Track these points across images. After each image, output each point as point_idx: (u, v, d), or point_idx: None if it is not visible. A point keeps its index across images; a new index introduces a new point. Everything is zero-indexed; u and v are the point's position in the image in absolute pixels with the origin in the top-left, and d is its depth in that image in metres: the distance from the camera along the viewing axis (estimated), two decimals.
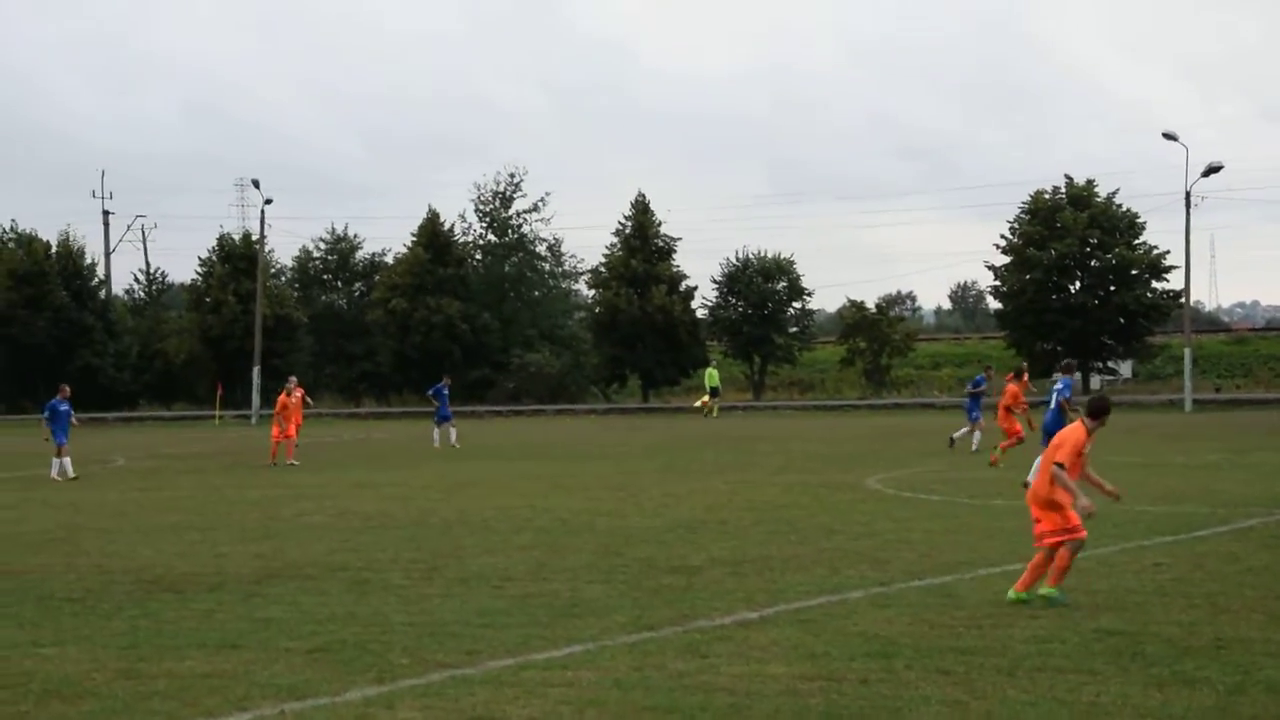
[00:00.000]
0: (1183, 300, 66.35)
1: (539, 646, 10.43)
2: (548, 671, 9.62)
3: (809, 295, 78.48)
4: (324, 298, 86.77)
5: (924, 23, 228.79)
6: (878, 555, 15.15)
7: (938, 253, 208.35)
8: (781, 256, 78.00)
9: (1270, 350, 75.18)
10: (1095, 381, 70.15)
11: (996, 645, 10.06)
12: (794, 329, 77.95)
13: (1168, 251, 68.82)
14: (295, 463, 33.53)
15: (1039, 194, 71.11)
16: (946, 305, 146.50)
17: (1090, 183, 70.74)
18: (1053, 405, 23.93)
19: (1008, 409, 29.88)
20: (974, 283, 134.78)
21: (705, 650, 10.16)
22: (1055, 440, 12.16)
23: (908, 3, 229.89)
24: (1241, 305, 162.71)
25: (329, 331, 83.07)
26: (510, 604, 12.43)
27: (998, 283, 71.96)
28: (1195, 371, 60.23)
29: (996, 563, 14.26)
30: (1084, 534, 11.84)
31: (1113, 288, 68.88)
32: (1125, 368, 73.19)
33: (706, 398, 61.63)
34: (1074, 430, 12.05)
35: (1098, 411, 12.17)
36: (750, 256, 78.06)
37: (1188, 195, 60.31)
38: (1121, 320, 68.72)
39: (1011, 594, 11.90)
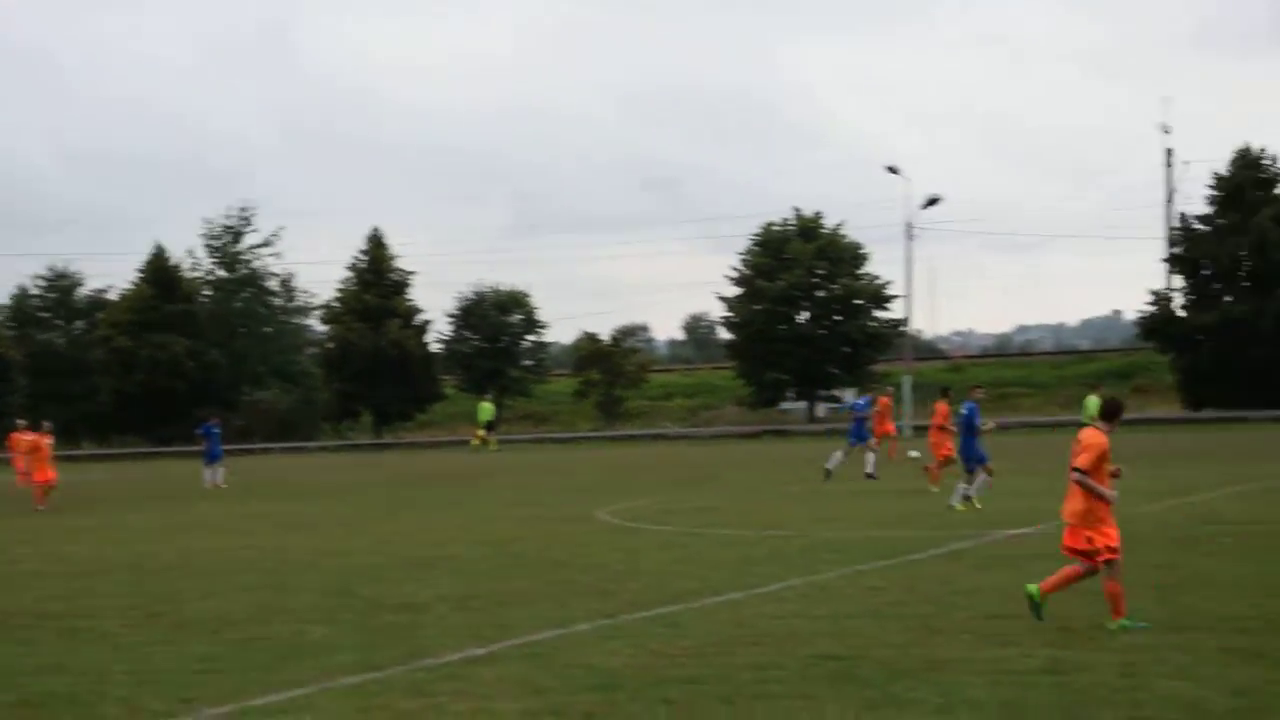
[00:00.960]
0: (904, 329, 68.71)
1: (258, 691, 10.13)
2: (267, 717, 9.36)
3: (544, 328, 78.91)
4: (41, 336, 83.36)
5: (663, 56, 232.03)
6: (605, 587, 15.20)
7: (672, 284, 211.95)
8: (517, 289, 78.22)
9: (983, 376, 78.22)
10: (821, 410, 72.00)
11: (718, 673, 10.17)
12: (529, 362, 78.11)
13: (890, 281, 71.37)
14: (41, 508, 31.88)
15: (769, 226, 72.86)
16: (680, 336, 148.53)
17: (818, 214, 72.89)
18: (963, 430, 24.18)
19: (940, 428, 29.01)
20: (706, 313, 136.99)
21: (431, 689, 10.01)
22: (1077, 445, 11.79)
23: (647, 36, 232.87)
24: (959, 333, 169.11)
25: (47, 371, 79.82)
26: (230, 648, 12.06)
27: (729, 313, 73.38)
28: (915, 399, 62.31)
29: (721, 591, 14.46)
30: (1118, 556, 11.59)
31: (838, 317, 70.97)
32: (849, 395, 75.28)
33: (481, 432, 59.94)
34: (1094, 435, 11.79)
35: (1113, 413, 12.08)
36: (486, 290, 78.05)
37: (908, 226, 62.52)
38: (846, 349, 70.74)
39: (1032, 588, 11.82)
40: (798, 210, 73.10)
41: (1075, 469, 11.58)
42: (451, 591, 15.31)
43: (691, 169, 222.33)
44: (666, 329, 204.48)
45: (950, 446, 27.39)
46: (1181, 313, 62.91)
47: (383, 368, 72.82)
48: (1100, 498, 11.56)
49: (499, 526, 23.43)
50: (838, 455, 33.29)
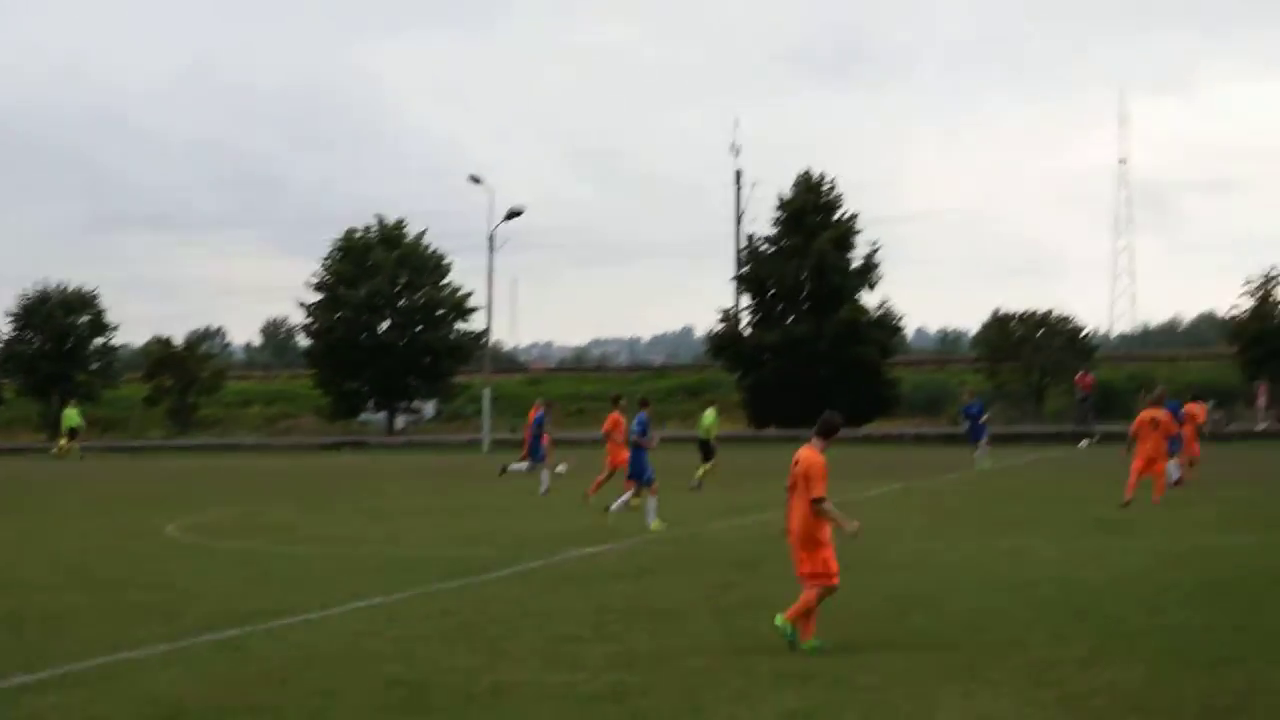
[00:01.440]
0: (485, 340, 69.31)
1: None
2: None
3: (114, 330, 75.67)
4: None
5: (246, 49, 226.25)
6: (171, 608, 14.79)
7: (251, 287, 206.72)
8: (85, 289, 74.78)
9: (560, 390, 79.75)
10: (400, 421, 71.82)
11: (286, 701, 10.09)
12: (96, 365, 74.78)
13: (471, 292, 71.66)
14: None
15: (351, 232, 72.10)
16: (258, 341, 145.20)
17: (401, 222, 72.54)
18: (631, 443, 23.86)
19: (608, 435, 28.08)
20: (286, 319, 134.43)
21: None
22: (802, 473, 11.65)
23: (227, 29, 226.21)
24: (537, 345, 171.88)
25: None
26: None
27: (309, 320, 72.24)
28: (494, 411, 62.94)
29: (295, 611, 14.29)
30: (837, 581, 11.70)
31: (420, 327, 70.91)
32: (429, 407, 75.46)
33: (64, 440, 56.18)
34: (813, 456, 11.71)
35: (830, 430, 11.98)
36: (50, 289, 74.26)
37: (491, 237, 63.03)
38: (427, 359, 70.75)
39: (779, 621, 11.68)
40: (380, 217, 72.68)
41: (817, 499, 11.59)
42: (2, 611, 14.60)
43: (272, 169, 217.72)
44: (244, 334, 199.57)
45: (624, 457, 26.56)
46: (748, 331, 65.87)
47: None
48: (835, 520, 11.70)
49: (59, 540, 22.44)
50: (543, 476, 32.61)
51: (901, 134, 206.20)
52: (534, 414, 34.77)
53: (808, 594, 11.68)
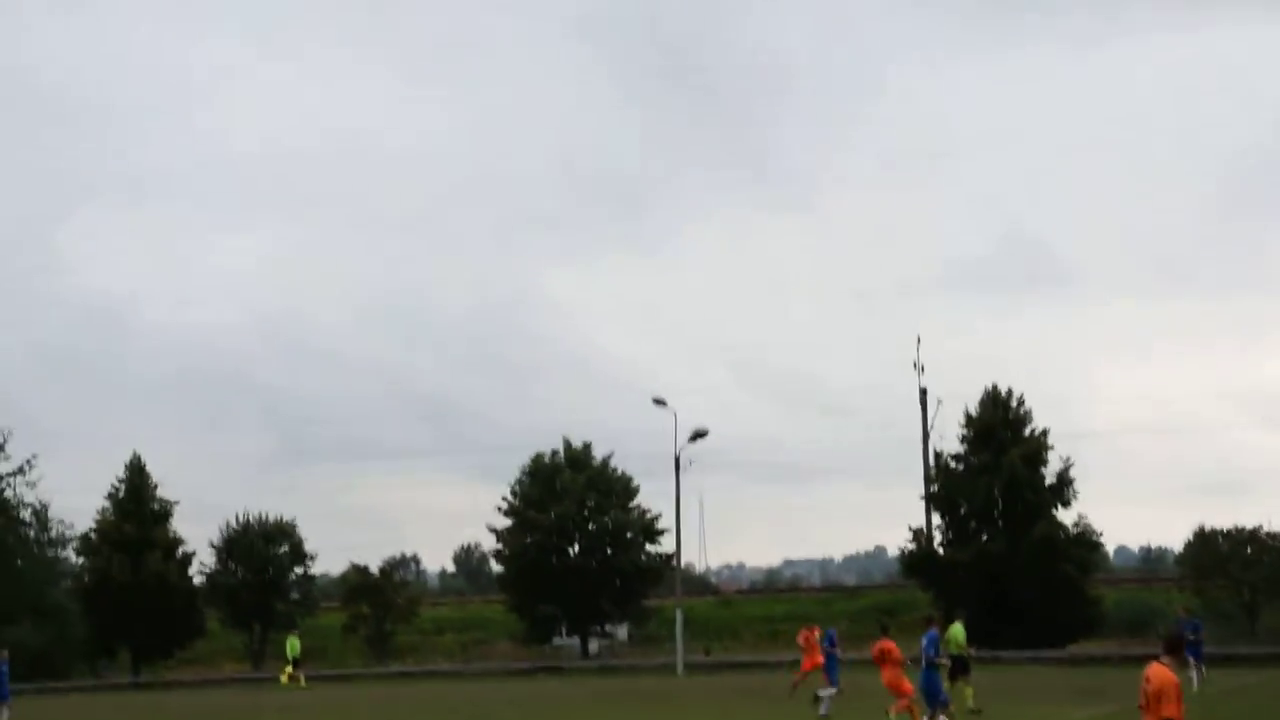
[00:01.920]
0: (674, 562, 69.26)
1: None
2: None
3: (312, 559, 77.34)
4: None
5: (426, 283, 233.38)
6: None
7: (442, 514, 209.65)
8: (283, 519, 76.81)
9: (752, 612, 79.25)
10: (594, 645, 71.75)
11: None
12: (296, 595, 76.37)
13: (660, 514, 71.88)
14: None
15: (538, 456, 73.18)
16: (451, 568, 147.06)
17: (587, 445, 73.44)
18: (924, 663, 23.61)
19: (895, 663, 26.93)
20: (478, 545, 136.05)
21: None
22: (1155, 691, 11.53)
23: (407, 259, 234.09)
24: (728, 567, 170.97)
25: None
26: None
27: (499, 545, 73.08)
28: (686, 634, 62.53)
29: None
30: None
31: (609, 550, 71.27)
32: (622, 630, 75.32)
33: (289, 668, 57.94)
34: (1166, 674, 11.64)
35: (1177, 645, 12.10)
36: (251, 519, 76.44)
37: (677, 459, 63.32)
38: (618, 582, 70.91)
39: None
40: (567, 440, 73.74)
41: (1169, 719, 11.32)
42: None
43: (457, 396, 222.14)
44: (437, 560, 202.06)
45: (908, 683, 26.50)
46: (940, 549, 64.87)
47: (142, 601, 70.29)
48: None
49: None
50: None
51: (1088, 350, 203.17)
52: (812, 635, 33.54)
53: None
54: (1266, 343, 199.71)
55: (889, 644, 27.85)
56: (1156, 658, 11.80)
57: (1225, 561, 61.73)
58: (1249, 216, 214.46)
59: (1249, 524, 63.25)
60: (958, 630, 32.49)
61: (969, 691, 30.85)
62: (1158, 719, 11.36)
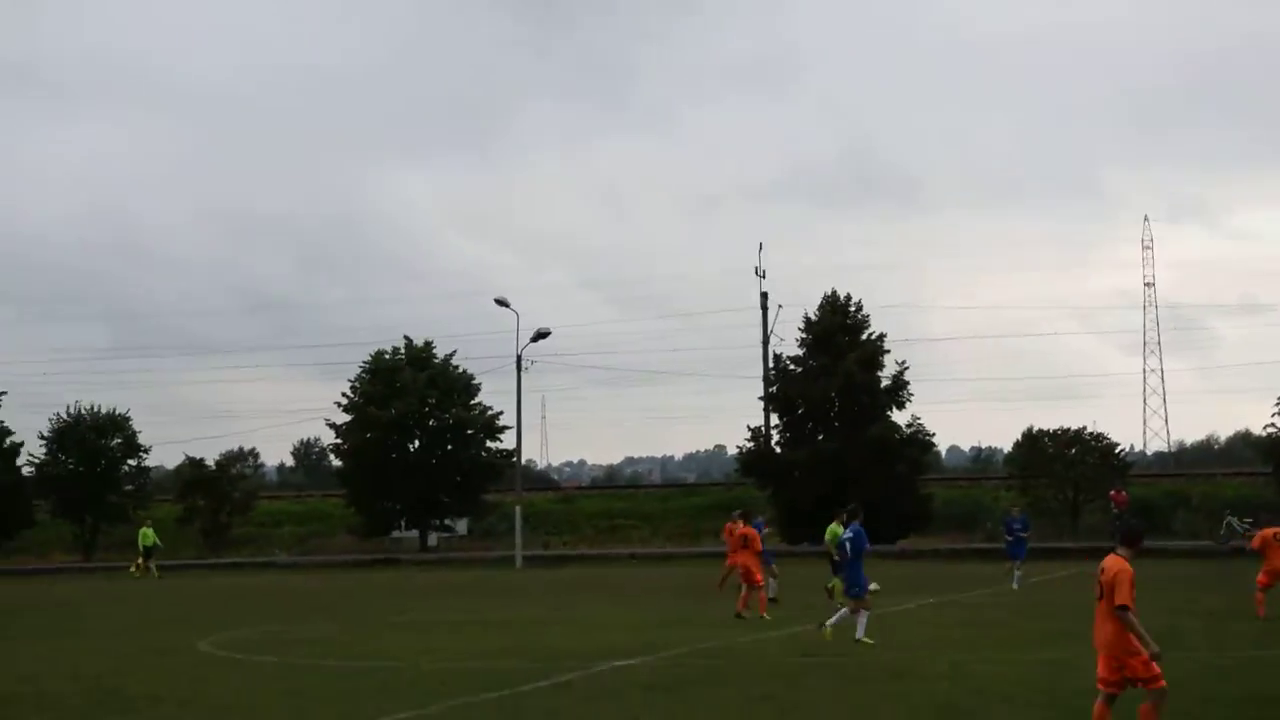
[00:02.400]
0: (515, 459, 69.37)
1: None
2: None
3: (145, 452, 75.92)
4: None
5: (264, 184, 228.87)
6: None
7: (281, 409, 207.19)
8: (116, 412, 75.22)
9: (593, 508, 79.68)
10: (432, 539, 71.74)
11: None
12: (129, 487, 75.03)
13: (501, 412, 71.82)
14: None
15: (379, 354, 72.58)
16: (290, 463, 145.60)
17: (429, 344, 72.99)
18: (851, 554, 23.03)
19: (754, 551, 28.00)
20: (317, 440, 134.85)
21: None
22: (1110, 580, 11.57)
23: (248, 161, 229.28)
24: (570, 464, 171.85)
25: None
26: None
27: (339, 440, 72.48)
28: (526, 528, 62.78)
29: None
30: (1164, 684, 11.61)
31: (450, 446, 71.10)
32: (461, 525, 75.32)
33: (140, 559, 56.81)
34: (1122, 565, 11.66)
35: (1135, 538, 11.98)
36: (83, 411, 74.75)
37: (519, 359, 63.37)
38: (458, 478, 70.82)
39: None
40: (408, 339, 73.14)
41: (1121, 606, 11.47)
42: None
43: (297, 295, 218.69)
44: (276, 455, 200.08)
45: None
46: (778, 449, 65.73)
47: None
48: (1139, 636, 11.51)
49: (95, 659, 22.42)
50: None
51: (925, 259, 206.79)
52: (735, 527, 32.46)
53: (1147, 712, 11.58)
54: (1092, 256, 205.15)
55: (751, 530, 28.36)
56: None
57: (1051, 461, 63.49)
58: (1079, 138, 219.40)
59: (1074, 426, 65.15)
60: (837, 529, 32.52)
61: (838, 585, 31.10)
62: (1110, 606, 11.60)
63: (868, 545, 23.74)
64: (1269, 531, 26.38)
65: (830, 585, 31.19)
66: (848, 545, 23.22)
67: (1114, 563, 11.66)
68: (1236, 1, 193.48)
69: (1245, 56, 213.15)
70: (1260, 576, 25.85)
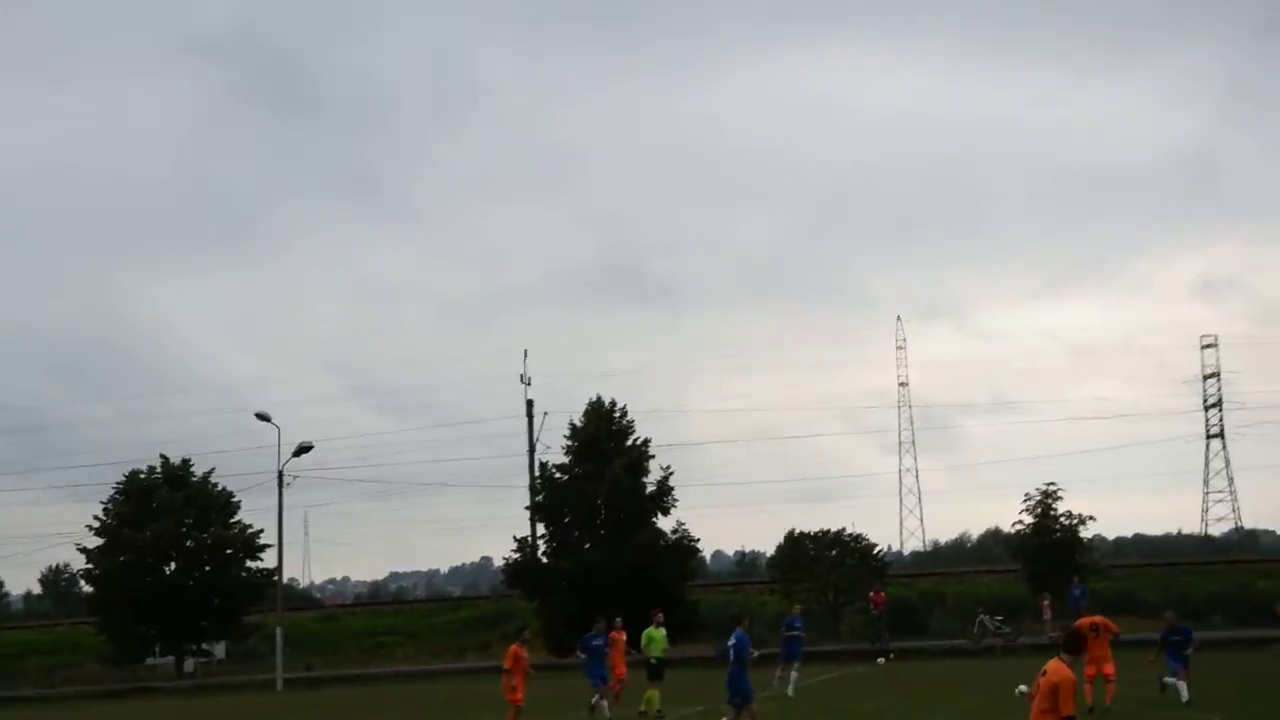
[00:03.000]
0: (276, 578, 67.79)
1: None
2: None
3: None
4: None
5: (12, 293, 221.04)
6: None
7: (28, 534, 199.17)
8: None
9: (357, 626, 78.31)
10: (189, 665, 69.44)
11: None
12: None
13: (262, 530, 70.24)
14: None
15: (135, 473, 70.51)
16: (37, 590, 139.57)
17: (187, 462, 71.21)
18: (736, 662, 22.53)
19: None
20: (67, 565, 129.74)
21: None
22: (1050, 684, 11.50)
23: None
24: (333, 581, 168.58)
25: None
26: None
27: (90, 565, 69.86)
28: (288, 649, 61.29)
29: None
30: None
31: (208, 567, 69.15)
32: (219, 648, 73.08)
33: None
34: (1064, 670, 11.61)
35: (1076, 645, 11.97)
36: None
37: (280, 474, 62.26)
38: (216, 600, 68.85)
39: None
40: (164, 457, 71.23)
41: (1067, 717, 11.47)
42: None
43: (45, 414, 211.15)
44: (22, 583, 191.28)
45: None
46: (544, 559, 65.51)
47: None
48: None
49: None
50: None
51: (687, 362, 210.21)
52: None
53: None
54: (850, 355, 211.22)
55: (521, 650, 28.09)
56: None
57: (812, 563, 64.63)
58: (834, 236, 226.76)
59: (834, 527, 66.49)
60: (658, 634, 32.70)
61: (655, 695, 31.01)
62: (1046, 712, 11.66)
63: (751, 651, 23.87)
64: (1085, 622, 26.96)
65: (648, 696, 31.01)
66: (731, 652, 23.29)
67: (1057, 668, 11.84)
68: (972, 101, 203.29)
69: (987, 159, 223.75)
70: (1086, 668, 26.00)
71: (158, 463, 71.06)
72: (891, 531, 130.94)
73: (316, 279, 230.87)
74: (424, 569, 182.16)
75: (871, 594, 61.47)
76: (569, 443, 65.77)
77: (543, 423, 77.69)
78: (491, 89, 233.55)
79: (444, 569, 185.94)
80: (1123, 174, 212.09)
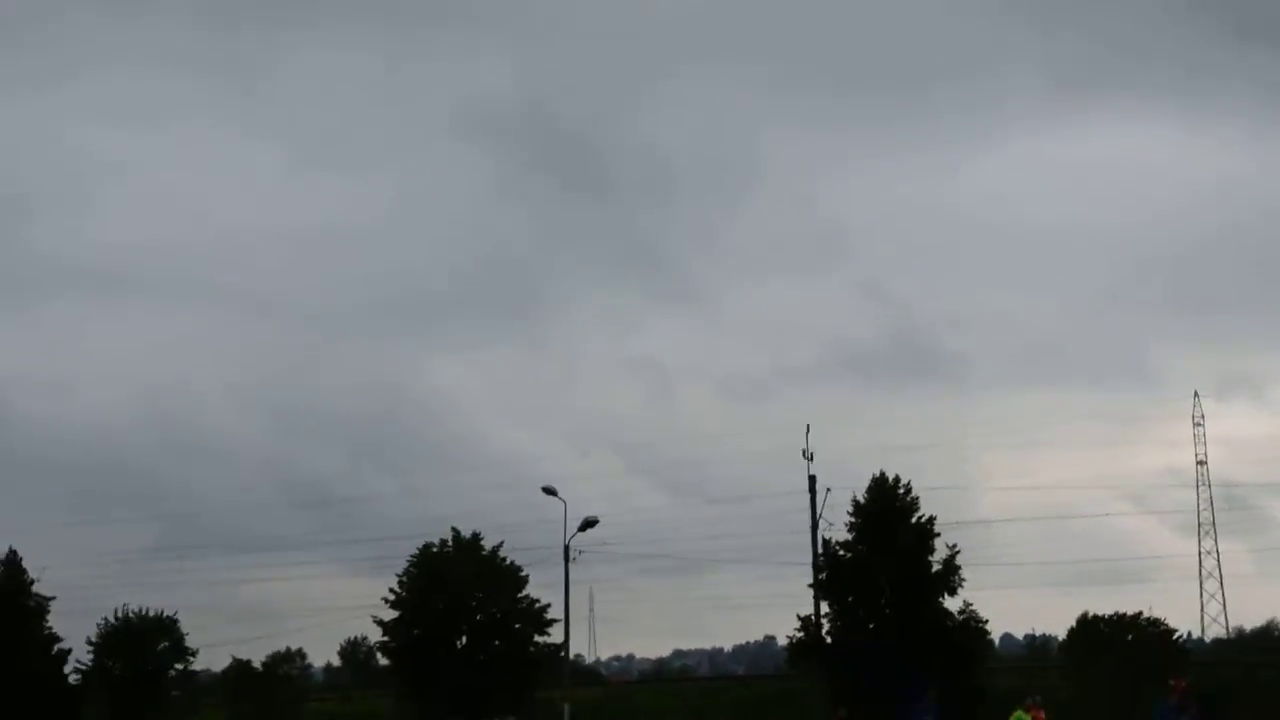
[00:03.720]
0: (563, 653, 68.61)
1: None
2: None
3: (193, 655, 75.51)
4: None
5: (310, 373, 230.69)
6: None
7: (327, 607, 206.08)
8: (164, 613, 75.05)
9: (646, 703, 78.68)
10: None
11: None
12: (177, 692, 74.48)
13: (549, 605, 71.17)
14: None
15: (427, 547, 72.28)
16: (337, 662, 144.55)
17: (477, 535, 72.60)
18: None
19: None
20: (364, 637, 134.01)
21: None
22: None
23: (288, 352, 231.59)
24: (618, 658, 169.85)
25: None
26: None
27: (386, 638, 71.89)
28: None
29: None
30: None
31: (497, 641, 70.35)
32: None
33: None
34: None
35: None
36: (130, 614, 74.59)
37: (566, 548, 63.02)
38: (506, 673, 69.97)
39: None
40: (455, 530, 72.82)
41: None
42: None
43: (343, 490, 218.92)
44: (323, 654, 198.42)
45: None
46: (828, 638, 64.76)
47: (17, 703, 67.98)
48: None
49: None
50: None
51: (972, 440, 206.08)
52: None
53: None
54: (1141, 434, 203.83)
55: None
56: None
57: (1107, 648, 62.38)
58: (1122, 312, 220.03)
59: (1129, 610, 64.04)
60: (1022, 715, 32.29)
61: None
62: None
63: None
64: None
65: None
66: None
67: None
68: (1271, 172, 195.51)
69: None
70: None
71: (449, 535, 72.45)
72: (1191, 617, 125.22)
73: (600, 356, 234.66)
74: (708, 646, 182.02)
75: (1172, 681, 58.86)
76: (852, 519, 65.08)
77: (825, 499, 77.06)
78: (774, 163, 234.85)
79: (727, 646, 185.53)
80: None
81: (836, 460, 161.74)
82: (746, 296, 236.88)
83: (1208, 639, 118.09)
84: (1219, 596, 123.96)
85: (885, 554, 62.50)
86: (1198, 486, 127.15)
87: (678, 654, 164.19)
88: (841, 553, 65.20)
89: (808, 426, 79.65)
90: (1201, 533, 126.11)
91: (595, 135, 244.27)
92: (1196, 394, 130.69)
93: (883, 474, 65.49)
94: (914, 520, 64.25)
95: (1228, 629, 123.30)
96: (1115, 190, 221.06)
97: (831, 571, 65.28)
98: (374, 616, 71.89)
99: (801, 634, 65.38)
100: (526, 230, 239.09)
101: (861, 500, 65.08)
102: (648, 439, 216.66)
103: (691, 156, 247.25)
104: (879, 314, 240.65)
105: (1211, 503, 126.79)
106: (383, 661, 78.07)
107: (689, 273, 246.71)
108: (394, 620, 71.01)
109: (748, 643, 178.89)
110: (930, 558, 63.78)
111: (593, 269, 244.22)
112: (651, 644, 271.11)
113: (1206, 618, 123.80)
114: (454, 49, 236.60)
